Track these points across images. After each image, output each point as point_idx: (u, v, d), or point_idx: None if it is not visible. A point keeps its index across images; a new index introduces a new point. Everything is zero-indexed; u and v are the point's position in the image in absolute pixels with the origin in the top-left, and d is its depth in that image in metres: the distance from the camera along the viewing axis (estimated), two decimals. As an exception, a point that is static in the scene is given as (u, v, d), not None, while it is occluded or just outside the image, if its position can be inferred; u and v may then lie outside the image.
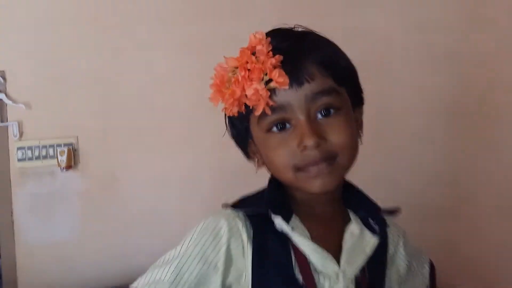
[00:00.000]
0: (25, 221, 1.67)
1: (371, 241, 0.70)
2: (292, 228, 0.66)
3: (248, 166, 1.62)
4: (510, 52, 1.69)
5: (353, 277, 0.67)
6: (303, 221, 0.69)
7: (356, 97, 0.71)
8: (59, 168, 1.63)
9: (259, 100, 0.61)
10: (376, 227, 0.71)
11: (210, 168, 1.70)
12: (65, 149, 1.62)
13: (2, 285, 1.64)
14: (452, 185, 1.68)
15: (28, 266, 1.66)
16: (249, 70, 0.61)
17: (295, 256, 0.66)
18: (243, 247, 0.65)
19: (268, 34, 0.64)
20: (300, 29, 0.69)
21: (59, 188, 1.68)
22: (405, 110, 1.67)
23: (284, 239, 0.66)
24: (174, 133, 1.70)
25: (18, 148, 1.65)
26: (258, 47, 0.61)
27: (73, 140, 1.67)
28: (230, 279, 0.65)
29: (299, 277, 0.65)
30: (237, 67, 0.62)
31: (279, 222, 0.66)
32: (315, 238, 0.67)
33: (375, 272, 0.72)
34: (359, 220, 0.72)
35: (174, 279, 0.64)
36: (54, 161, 1.64)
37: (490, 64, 1.70)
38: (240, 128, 0.72)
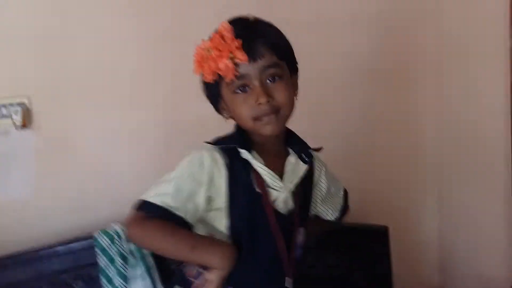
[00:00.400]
0: (-21, 180, 1.70)
1: (302, 167, 1.03)
2: (253, 157, 0.97)
3: (191, 123, 1.82)
4: (433, 18, 1.96)
5: (291, 190, 1.01)
6: (259, 154, 1.00)
7: (293, 68, 1.01)
8: (13, 127, 1.68)
9: (228, 71, 0.90)
10: (306, 159, 1.03)
11: (158, 125, 1.84)
12: (19, 108, 1.70)
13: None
14: (367, 136, 1.97)
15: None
16: (219, 50, 0.88)
17: (254, 176, 0.97)
18: (220, 170, 0.96)
19: (230, 23, 0.91)
20: (252, 18, 0.96)
21: (13, 147, 1.72)
22: (331, 72, 1.91)
23: (247, 165, 0.98)
24: (123, 92, 1.79)
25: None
26: (225, 34, 0.89)
27: (25, 100, 1.72)
28: (212, 193, 0.96)
29: (258, 190, 0.97)
30: (211, 48, 0.90)
31: (244, 153, 0.97)
32: (267, 165, 0.99)
33: (305, 189, 1.07)
34: (295, 154, 1.03)
35: (174, 191, 0.93)
36: (7, 121, 1.71)
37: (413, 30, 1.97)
38: (214, 91, 1.00)
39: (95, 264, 1.53)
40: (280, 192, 0.99)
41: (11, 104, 1.72)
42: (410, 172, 2.05)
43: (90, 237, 1.55)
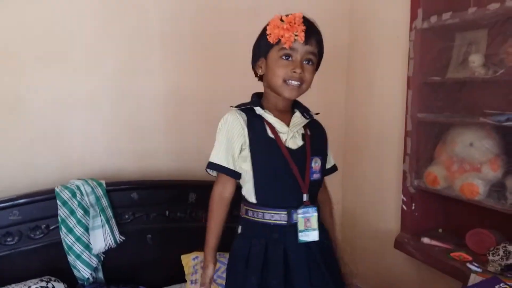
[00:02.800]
0: None
1: (304, 120, 1.35)
2: (265, 111, 1.30)
3: (145, 92, 1.98)
4: (344, 21, 2.33)
5: (300, 132, 1.32)
6: (271, 111, 1.31)
7: (318, 64, 1.33)
8: None
9: (288, 41, 1.21)
10: (307, 117, 1.36)
11: (108, 94, 1.97)
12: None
13: None
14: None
15: None
16: (290, 25, 1.22)
17: (268, 126, 1.29)
18: (242, 126, 1.29)
19: (303, 16, 1.25)
20: (315, 21, 1.30)
21: None
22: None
23: (261, 118, 1.30)
24: (78, 59, 1.89)
25: None
26: (297, 18, 1.23)
27: None
28: (241, 142, 1.29)
29: (271, 135, 1.28)
30: (285, 21, 1.22)
31: (258, 109, 1.31)
32: (277, 118, 1.30)
33: (312, 134, 1.36)
34: (299, 112, 1.35)
35: (220, 150, 1.30)
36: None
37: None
38: (265, 50, 1.28)
39: (53, 217, 1.67)
40: (287, 134, 1.30)
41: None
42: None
43: (50, 191, 1.68)
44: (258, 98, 1.35)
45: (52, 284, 1.57)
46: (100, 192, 1.74)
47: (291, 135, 1.30)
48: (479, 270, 1.51)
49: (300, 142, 1.31)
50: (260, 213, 1.28)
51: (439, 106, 1.77)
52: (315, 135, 1.37)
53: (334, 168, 1.50)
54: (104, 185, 1.77)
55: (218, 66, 2.14)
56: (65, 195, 1.67)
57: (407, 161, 1.88)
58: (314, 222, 1.28)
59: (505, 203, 1.51)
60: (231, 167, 1.29)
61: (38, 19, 1.83)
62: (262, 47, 1.29)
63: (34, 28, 1.82)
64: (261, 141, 1.28)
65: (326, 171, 1.43)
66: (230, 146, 1.29)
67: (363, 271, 1.99)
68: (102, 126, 1.99)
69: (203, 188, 1.86)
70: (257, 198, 1.29)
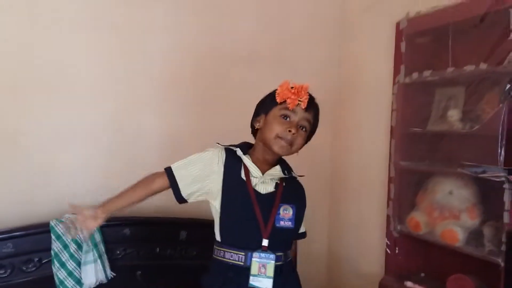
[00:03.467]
0: None
1: (281, 174, 1.41)
2: (246, 156, 1.38)
3: (143, 129, 2.05)
4: (333, 67, 2.48)
5: (272, 180, 1.39)
6: (254, 160, 1.39)
7: (312, 130, 1.43)
8: None
9: (292, 103, 1.34)
10: (286, 173, 1.42)
11: (105, 130, 2.04)
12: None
13: None
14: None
15: None
16: (297, 91, 1.34)
17: (243, 169, 1.37)
18: (220, 162, 1.37)
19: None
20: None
21: None
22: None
23: (239, 160, 1.38)
24: (81, 95, 1.98)
25: None
26: (304, 88, 1.35)
27: None
28: (212, 178, 1.36)
29: (243, 177, 1.36)
30: (294, 87, 1.35)
31: (238, 151, 1.38)
32: (256, 164, 1.38)
33: (287, 186, 1.41)
34: (280, 167, 1.42)
35: (187, 170, 1.37)
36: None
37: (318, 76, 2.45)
38: (268, 108, 1.39)
39: (46, 250, 1.70)
40: (258, 179, 1.36)
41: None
42: (309, 191, 2.50)
43: (44, 225, 1.72)
44: (246, 146, 1.43)
45: (41, 319, 1.58)
46: (94, 227, 1.77)
47: (262, 180, 1.36)
48: (459, 315, 1.56)
49: (270, 189, 1.38)
50: (222, 251, 1.35)
51: (420, 155, 1.87)
52: (292, 189, 1.43)
53: (302, 235, 1.52)
54: (98, 220, 1.80)
55: (215, 109, 2.24)
56: (60, 229, 1.71)
57: (390, 206, 1.96)
58: (270, 270, 1.31)
59: (483, 250, 1.58)
60: (177, 179, 1.36)
61: (45, 55, 1.92)
62: (266, 105, 1.40)
63: (39, 64, 1.91)
64: (233, 181, 1.35)
65: (299, 235, 1.48)
66: (203, 175, 1.36)
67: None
68: (99, 161, 2.05)
69: (194, 226, 1.95)
70: (221, 236, 1.36)
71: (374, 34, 2.23)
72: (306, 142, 1.41)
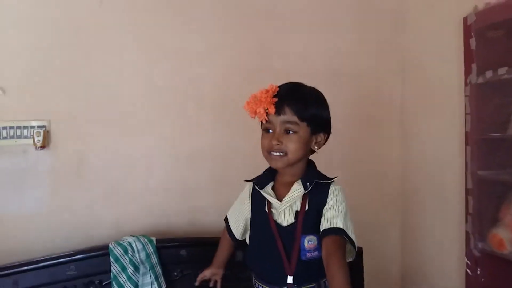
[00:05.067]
0: (-2, 193, 1.88)
1: (299, 192, 1.28)
2: (263, 190, 1.34)
3: (197, 151, 2.04)
4: (397, 79, 2.31)
5: (292, 208, 1.28)
6: (275, 184, 1.35)
7: (316, 129, 1.27)
8: (33, 147, 1.87)
9: (260, 116, 1.25)
10: (308, 186, 1.27)
11: (168, 153, 2.06)
12: (41, 131, 1.89)
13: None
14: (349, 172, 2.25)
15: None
16: (261, 100, 1.23)
17: (267, 201, 1.32)
18: (248, 200, 1.39)
19: (280, 85, 1.27)
20: (298, 86, 1.29)
21: (31, 166, 1.91)
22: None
23: (261, 194, 1.34)
24: (136, 121, 2.02)
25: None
26: (270, 91, 1.24)
27: (45, 123, 1.93)
28: (247, 215, 1.40)
29: (266, 210, 1.31)
30: (258, 97, 1.25)
31: (256, 187, 1.35)
32: (275, 190, 1.33)
33: (309, 209, 1.28)
34: (298, 184, 1.29)
35: (233, 208, 1.49)
36: (27, 141, 1.89)
37: (382, 88, 2.31)
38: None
39: (106, 272, 1.72)
40: (278, 208, 1.29)
41: (32, 126, 1.91)
42: (380, 205, 2.35)
43: (104, 247, 1.74)
44: (265, 173, 1.38)
45: None
46: (150, 249, 1.77)
47: (281, 209, 1.28)
48: None
49: (291, 220, 1.27)
50: (256, 282, 1.34)
51: (501, 163, 1.66)
52: (316, 202, 1.26)
53: (333, 231, 1.22)
54: (155, 241, 1.80)
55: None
56: (118, 251, 1.72)
57: (469, 221, 1.75)
58: None
59: None
60: (230, 225, 1.46)
61: (102, 85, 1.98)
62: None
63: (96, 96, 1.98)
64: (258, 216, 1.34)
65: (322, 232, 1.23)
66: (241, 214, 1.43)
67: None
68: (156, 184, 2.06)
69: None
70: (251, 269, 1.37)
71: (439, 32, 2.03)
72: (312, 137, 1.27)
